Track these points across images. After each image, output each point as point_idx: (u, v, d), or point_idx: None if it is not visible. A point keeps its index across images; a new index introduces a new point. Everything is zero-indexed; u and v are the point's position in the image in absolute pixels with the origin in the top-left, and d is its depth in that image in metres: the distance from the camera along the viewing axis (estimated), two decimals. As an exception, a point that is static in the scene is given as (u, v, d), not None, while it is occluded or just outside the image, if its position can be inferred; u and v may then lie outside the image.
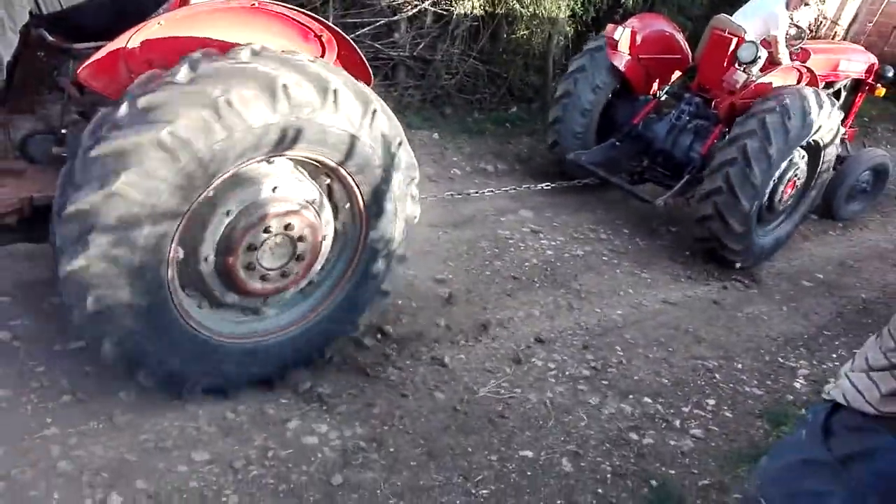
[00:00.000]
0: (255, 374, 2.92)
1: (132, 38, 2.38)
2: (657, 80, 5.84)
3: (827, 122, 4.95)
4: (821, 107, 4.84)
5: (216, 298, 2.75)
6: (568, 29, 7.20)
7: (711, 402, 3.62)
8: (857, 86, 6.49)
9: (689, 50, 5.93)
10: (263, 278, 2.74)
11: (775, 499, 1.54)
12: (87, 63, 2.37)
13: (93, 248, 2.23)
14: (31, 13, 2.52)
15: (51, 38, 2.62)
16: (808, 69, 5.49)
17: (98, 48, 2.40)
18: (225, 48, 2.44)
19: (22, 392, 2.70)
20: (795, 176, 5.13)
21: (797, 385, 3.92)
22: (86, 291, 2.29)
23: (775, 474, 1.66)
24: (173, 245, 2.44)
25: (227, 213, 2.57)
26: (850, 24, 12.28)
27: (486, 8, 6.64)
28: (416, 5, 6.42)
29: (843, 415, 1.53)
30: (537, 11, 6.83)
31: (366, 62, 2.88)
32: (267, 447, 2.76)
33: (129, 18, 2.50)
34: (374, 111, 2.69)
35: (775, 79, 5.24)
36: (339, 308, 3.05)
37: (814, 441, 1.57)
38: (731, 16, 5.62)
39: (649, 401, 3.52)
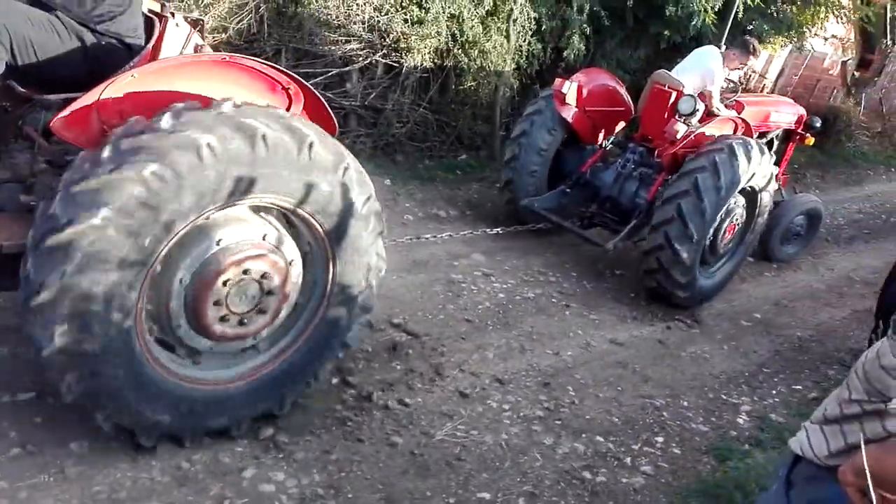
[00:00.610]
0: (215, 423, 2.89)
1: (106, 91, 2.42)
2: (603, 131, 6.11)
3: (762, 168, 5.25)
4: (758, 154, 5.15)
5: (199, 351, 2.79)
6: (513, 81, 7.48)
7: (660, 439, 3.74)
8: (788, 136, 6.92)
9: (631, 102, 6.24)
10: (239, 322, 2.76)
11: None
12: (60, 115, 2.40)
13: (66, 281, 2.24)
14: (7, 64, 2.52)
15: (21, 89, 2.63)
16: (744, 120, 5.86)
17: (68, 99, 2.43)
18: (197, 100, 2.50)
19: (-31, 446, 2.62)
20: (735, 220, 5.41)
21: (740, 421, 4.07)
22: (54, 325, 2.29)
23: None
24: (142, 293, 2.45)
25: (181, 282, 2.61)
26: (778, 77, 13.05)
27: (435, 61, 6.87)
28: (367, 57, 6.59)
29: (802, 466, 1.63)
30: (484, 64, 7.10)
31: (331, 113, 2.96)
32: (223, 496, 2.73)
33: (101, 71, 2.55)
34: (347, 165, 2.79)
35: (713, 129, 5.56)
36: (300, 358, 3.05)
37: (779, 494, 1.68)
38: (670, 70, 5.97)
39: (601, 439, 3.61)
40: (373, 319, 4.16)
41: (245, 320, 2.78)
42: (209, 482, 2.78)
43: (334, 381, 3.55)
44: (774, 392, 4.50)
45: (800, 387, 4.62)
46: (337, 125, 3.00)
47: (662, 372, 4.44)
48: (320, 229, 2.86)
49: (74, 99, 2.41)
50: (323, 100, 2.92)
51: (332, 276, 2.99)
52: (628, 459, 3.50)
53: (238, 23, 6.21)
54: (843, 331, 5.64)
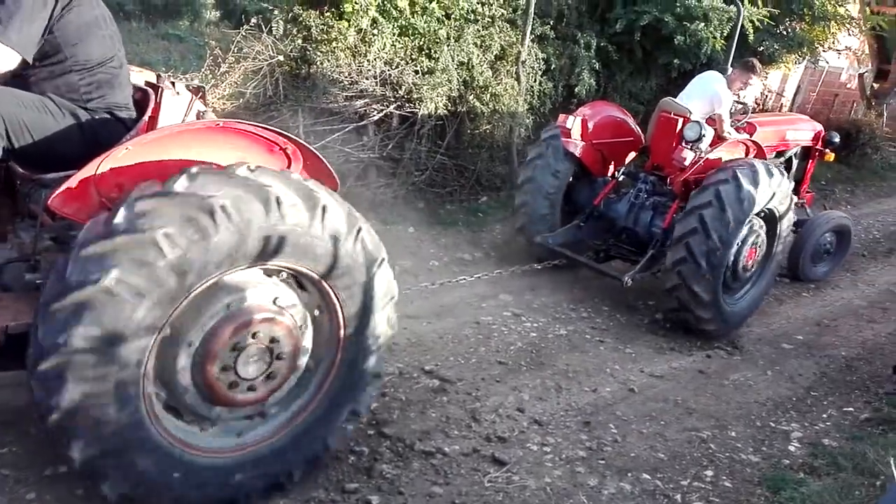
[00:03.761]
0: (220, 494, 2.73)
1: (101, 165, 2.42)
2: (613, 162, 6.10)
3: (777, 189, 5.15)
4: (767, 176, 5.05)
5: (207, 417, 2.71)
6: (527, 121, 7.53)
7: (710, 472, 3.60)
8: (807, 153, 6.84)
9: (640, 132, 6.23)
10: (250, 388, 2.68)
11: None
12: (57, 191, 2.40)
13: (75, 343, 2.20)
14: (3, 148, 2.54)
15: (22, 171, 2.65)
16: (754, 142, 5.78)
17: (68, 176, 2.44)
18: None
19: (10, 522, 2.61)
20: (755, 244, 5.30)
21: (792, 448, 3.91)
22: (61, 389, 2.23)
23: None
24: (150, 357, 2.40)
25: (190, 345, 2.55)
26: (795, 95, 12.99)
27: (449, 107, 6.95)
28: (381, 109, 6.70)
29: None
30: (497, 107, 7.17)
31: (331, 169, 2.94)
32: (265, 559, 2.68)
33: (99, 146, 2.56)
34: (359, 229, 2.76)
35: (723, 153, 5.49)
36: (308, 427, 2.94)
37: None
38: (677, 97, 5.97)
39: (648, 477, 3.48)
40: (405, 367, 4.13)
41: (253, 387, 2.69)
42: (251, 545, 2.73)
43: (370, 432, 3.49)
44: (825, 416, 4.33)
45: (851, 409, 4.45)
46: (339, 182, 2.97)
47: (706, 402, 4.31)
48: (332, 293, 2.80)
49: (72, 175, 2.42)
50: (322, 157, 2.89)
51: (342, 340, 2.91)
52: (678, 496, 3.37)
53: (255, 87, 6.37)
54: (891, 347, 5.46)
